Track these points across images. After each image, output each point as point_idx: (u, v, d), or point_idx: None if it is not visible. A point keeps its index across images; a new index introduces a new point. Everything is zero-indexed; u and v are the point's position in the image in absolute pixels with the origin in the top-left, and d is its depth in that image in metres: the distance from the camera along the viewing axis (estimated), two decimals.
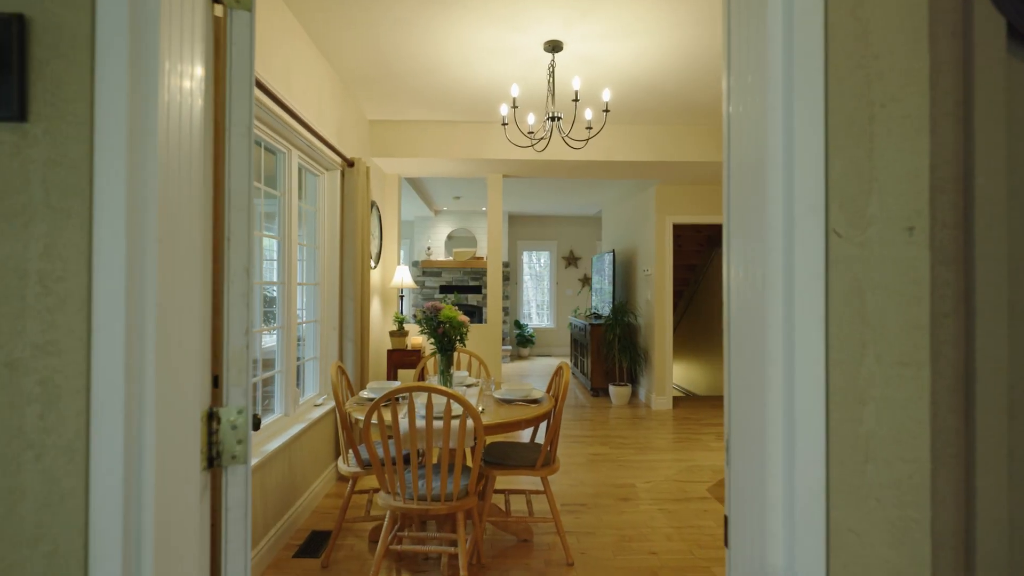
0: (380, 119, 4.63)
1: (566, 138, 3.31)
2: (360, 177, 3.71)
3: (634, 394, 6.51)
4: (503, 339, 9.87)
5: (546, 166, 4.99)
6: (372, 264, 4.54)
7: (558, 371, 2.94)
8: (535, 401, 2.72)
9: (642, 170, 5.13)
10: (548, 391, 3.02)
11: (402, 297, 4.89)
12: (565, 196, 8.33)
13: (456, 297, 9.92)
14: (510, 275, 10.29)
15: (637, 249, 6.60)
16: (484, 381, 2.97)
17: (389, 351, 4.64)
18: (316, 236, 3.59)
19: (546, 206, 9.40)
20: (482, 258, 9.92)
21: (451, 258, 9.92)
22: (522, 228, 10.62)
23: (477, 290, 9.93)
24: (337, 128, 3.63)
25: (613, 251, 6.79)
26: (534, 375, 8.19)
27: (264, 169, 2.85)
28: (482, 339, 5.31)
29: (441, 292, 9.89)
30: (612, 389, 6.09)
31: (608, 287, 6.99)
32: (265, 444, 2.63)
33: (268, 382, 2.99)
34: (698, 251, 7.73)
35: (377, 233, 4.77)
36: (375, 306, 4.82)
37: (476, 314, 9.97)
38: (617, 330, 6.13)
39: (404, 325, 4.87)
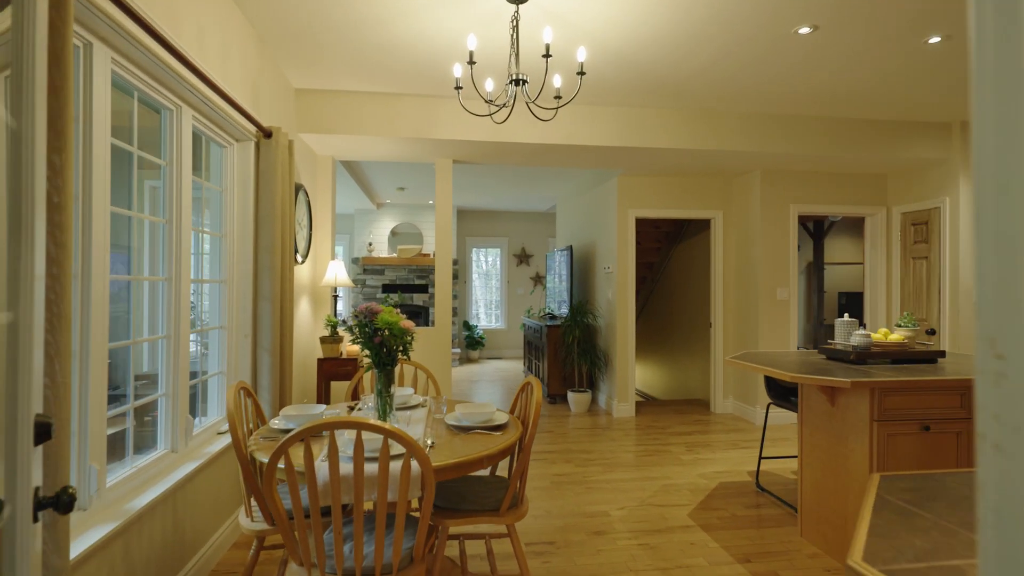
0: (308, 88, 3.95)
1: (532, 105, 2.79)
2: (280, 151, 3.05)
3: (594, 400, 6.09)
4: (452, 341, 9.27)
5: (502, 149, 4.46)
6: (298, 259, 3.86)
7: (525, 388, 2.41)
8: (498, 428, 2.18)
9: (606, 157, 4.69)
10: (512, 411, 2.49)
11: (337, 297, 4.23)
12: (518, 190, 7.85)
13: (400, 297, 9.24)
14: (459, 273, 9.71)
15: (596, 245, 6.19)
16: (433, 401, 2.40)
17: (320, 360, 3.97)
18: (223, 222, 2.90)
19: (497, 201, 8.88)
20: (428, 255, 9.28)
21: (395, 255, 9.22)
22: (472, 224, 10.05)
23: (423, 289, 9.28)
24: (252, 91, 2.96)
25: (570, 247, 6.35)
26: (485, 380, 7.65)
27: (143, 130, 2.16)
28: (430, 344, 4.72)
29: (384, 292, 9.17)
30: (571, 396, 5.64)
31: (564, 286, 6.55)
32: (135, 497, 1.95)
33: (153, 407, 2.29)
34: (656, 248, 7.42)
35: (306, 223, 4.09)
36: (303, 308, 4.13)
37: (422, 315, 9.32)
38: (576, 332, 5.69)
39: (338, 330, 4.21)
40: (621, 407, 5.46)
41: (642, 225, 6.85)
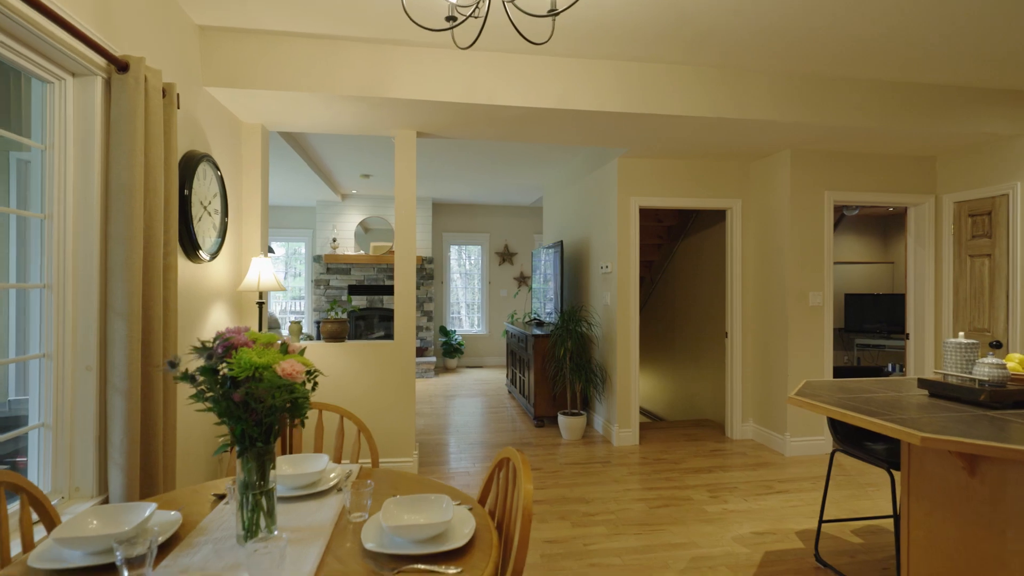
0: (217, 25, 2.97)
1: (512, 7, 1.88)
2: (148, 96, 2.07)
3: (589, 423, 5.19)
4: (426, 350, 8.31)
5: (476, 116, 3.52)
6: (202, 255, 2.87)
7: (503, 466, 1.49)
8: (456, 553, 1.23)
9: (604, 128, 3.78)
10: (483, 498, 1.56)
11: (262, 304, 3.23)
12: (499, 179, 6.92)
13: (367, 300, 8.24)
14: (434, 272, 8.74)
15: (591, 241, 5.28)
16: (349, 489, 1.43)
17: None
18: (47, 197, 1.92)
19: (476, 192, 7.94)
20: None
21: (362, 252, 8.21)
22: (449, 218, 9.09)
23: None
24: (99, 3, 1.98)
25: (560, 243, 5.43)
26: (463, 394, 6.70)
27: None
28: (385, 363, 3.77)
29: (350, 293, 8.17)
30: (563, 420, 4.72)
31: (553, 288, 5.63)
32: None
33: None
34: (656, 245, 6.55)
35: (218, 207, 3.11)
36: (215, 322, 3.15)
37: (394, 319, 8.32)
38: (568, 343, 4.78)
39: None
40: (623, 434, 4.56)
41: (641, 219, 5.97)
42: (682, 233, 6.06)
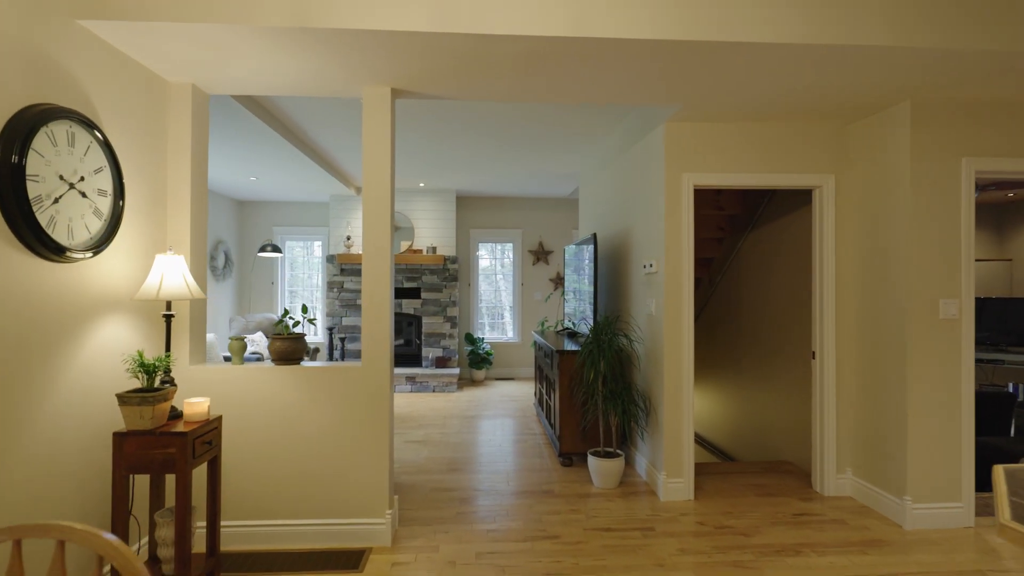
0: None
1: None
2: None
3: (629, 463, 4.12)
4: (449, 360, 7.43)
5: (460, 53, 2.55)
6: (73, 251, 2.05)
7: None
8: None
9: (643, 72, 2.73)
10: None
11: (169, 317, 2.38)
12: (530, 165, 5.92)
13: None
14: (459, 273, 7.85)
15: (631, 234, 4.21)
16: None
17: (119, 436, 2.15)
18: None
19: (505, 183, 6.98)
20: (420, 251, 7.45)
21: None
22: (476, 213, 8.17)
23: (415, 293, 7.45)
24: None
25: (593, 237, 4.38)
26: (486, 413, 5.75)
27: None
28: (351, 395, 2.86)
29: None
30: (594, 463, 3.68)
31: (588, 288, 4.60)
32: None
33: None
34: (716, 240, 5.37)
35: (108, 186, 2.29)
36: (102, 342, 2.33)
37: (413, 326, 7.50)
38: (601, 363, 3.73)
39: (163, 372, 2.39)
40: (672, 485, 3.47)
41: (696, 206, 4.82)
42: (750, 223, 4.87)
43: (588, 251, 4.56)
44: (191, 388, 2.81)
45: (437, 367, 7.33)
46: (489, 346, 8.00)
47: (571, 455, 4.18)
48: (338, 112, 4.27)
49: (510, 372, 8.16)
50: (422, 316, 7.44)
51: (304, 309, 2.97)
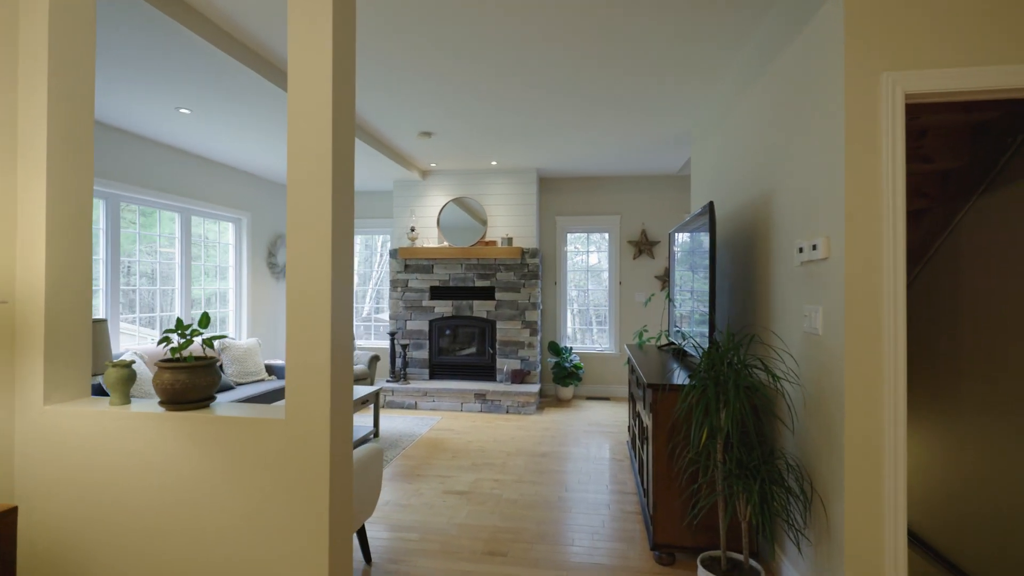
0: None
1: None
2: None
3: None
4: (527, 374, 6.14)
5: None
6: None
7: None
8: None
9: None
10: None
11: None
12: (629, 128, 4.43)
13: (451, 307, 6.33)
14: (541, 269, 6.53)
15: (772, 201, 2.62)
16: None
17: None
18: None
19: (599, 157, 5.53)
20: (494, 242, 6.26)
21: (446, 244, 6.36)
22: (563, 197, 6.80)
23: (487, 294, 6.28)
24: None
25: (709, 207, 2.83)
26: (562, 449, 4.38)
27: None
28: (271, 465, 1.68)
29: (434, 297, 6.37)
30: None
31: (702, 288, 3.06)
32: None
33: None
34: (913, 214, 3.49)
35: None
36: None
37: (486, 332, 6.33)
38: (721, 412, 2.20)
39: None
40: None
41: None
42: (982, 182, 2.97)
43: (700, 229, 3.01)
44: (40, 445, 1.81)
45: (513, 382, 6.09)
46: (578, 358, 6.58)
47: (672, 549, 2.67)
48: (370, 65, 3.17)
49: (604, 390, 6.67)
50: (496, 321, 6.24)
51: (204, 321, 1.84)
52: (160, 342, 1.79)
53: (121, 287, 4.63)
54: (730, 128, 3.44)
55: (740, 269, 3.15)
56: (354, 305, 7.28)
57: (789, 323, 2.41)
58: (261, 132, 4.62)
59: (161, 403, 1.80)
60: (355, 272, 7.38)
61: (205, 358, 1.84)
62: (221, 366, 4.86)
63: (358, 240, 7.40)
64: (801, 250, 2.24)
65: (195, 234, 5.51)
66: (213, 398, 1.86)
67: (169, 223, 5.22)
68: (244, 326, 6.11)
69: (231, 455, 1.72)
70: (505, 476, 3.90)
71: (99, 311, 4.44)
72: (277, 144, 4.96)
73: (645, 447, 3.03)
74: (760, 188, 2.83)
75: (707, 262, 2.84)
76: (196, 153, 5.30)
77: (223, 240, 5.97)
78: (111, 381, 1.84)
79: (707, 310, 2.79)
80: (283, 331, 6.63)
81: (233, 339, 4.99)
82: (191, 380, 1.78)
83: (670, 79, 3.56)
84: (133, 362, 1.87)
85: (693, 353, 3.03)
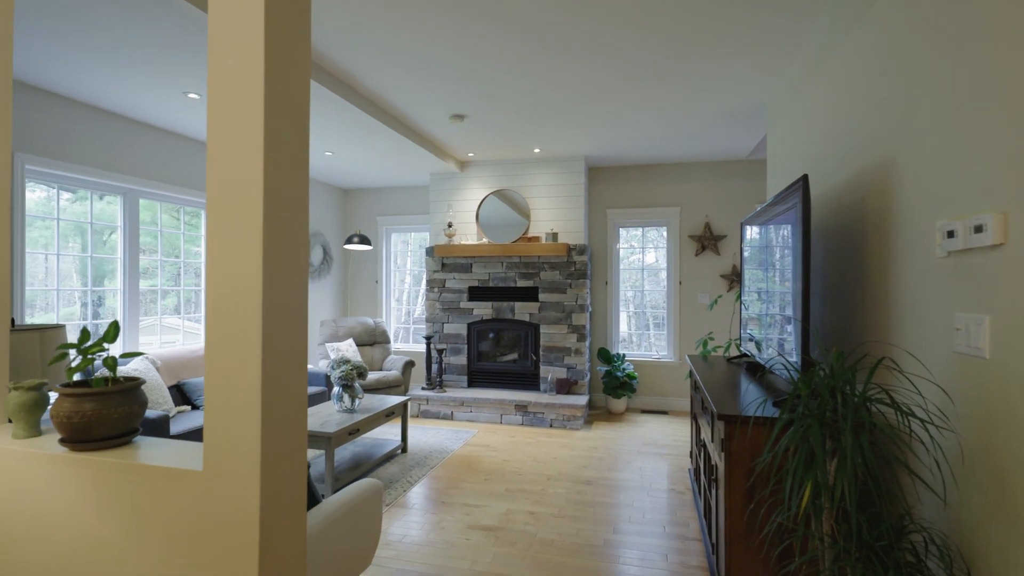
0: None
1: None
2: None
3: None
4: (575, 384, 5.55)
5: None
6: None
7: None
8: None
9: None
10: None
11: None
12: (689, 108, 3.76)
13: (491, 309, 5.80)
14: (591, 268, 5.90)
15: (895, 171, 1.93)
16: None
17: None
18: None
19: (656, 141, 4.86)
20: (538, 239, 5.71)
21: (485, 241, 5.86)
22: (615, 189, 6.15)
23: (530, 295, 5.73)
24: None
25: (803, 180, 2.16)
26: (612, 476, 3.77)
27: None
28: (182, 533, 1.20)
29: (472, 298, 5.90)
30: None
31: (786, 287, 2.39)
32: None
33: None
34: None
35: None
36: None
37: (528, 336, 5.79)
38: (828, 465, 1.56)
39: None
40: None
41: None
42: None
43: (791, 217, 2.34)
44: None
45: (558, 392, 5.51)
46: (632, 366, 5.92)
47: None
48: (380, 34, 2.70)
49: (662, 403, 5.97)
50: (539, 324, 5.68)
51: (112, 334, 1.40)
52: (52, 361, 1.36)
53: (180, 287, 4.75)
54: (818, 93, 2.73)
55: (839, 265, 2.44)
56: (401, 306, 6.95)
57: (925, 338, 1.72)
58: None
59: (62, 441, 1.36)
60: (406, 272, 7.03)
61: (121, 381, 1.39)
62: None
63: (398, 238, 7.04)
64: (951, 234, 1.56)
65: None
66: (134, 432, 1.41)
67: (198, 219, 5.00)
68: None
69: (140, 514, 1.27)
70: (542, 508, 3.33)
71: (116, 312, 4.23)
72: (314, 140, 4.62)
73: (714, 491, 2.39)
74: (871, 157, 2.13)
75: (794, 256, 2.17)
76: None
77: None
78: (13, 408, 1.43)
79: (792, 316, 2.12)
80: (315, 336, 6.35)
81: None
82: (99, 411, 1.33)
83: (740, 54, 2.88)
84: (44, 383, 1.46)
85: (780, 372, 2.36)
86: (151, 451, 1.36)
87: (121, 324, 3.74)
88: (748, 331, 3.28)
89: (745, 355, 3.45)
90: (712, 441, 2.43)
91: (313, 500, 1.92)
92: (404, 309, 7.02)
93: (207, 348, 1.20)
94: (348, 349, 5.62)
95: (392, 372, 5.52)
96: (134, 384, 1.41)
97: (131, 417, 1.39)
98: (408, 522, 3.12)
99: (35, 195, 3.69)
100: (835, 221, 2.51)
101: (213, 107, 1.19)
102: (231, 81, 1.18)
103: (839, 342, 2.37)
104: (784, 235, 2.46)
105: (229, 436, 1.18)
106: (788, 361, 2.16)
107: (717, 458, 2.27)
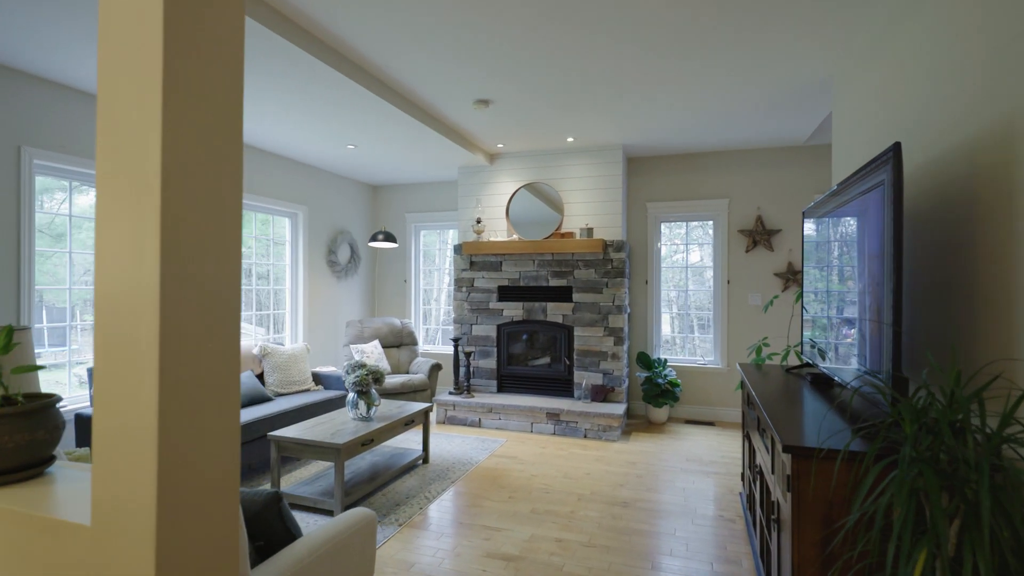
0: None
1: None
2: None
3: None
4: (611, 391, 5.15)
5: None
6: None
7: None
8: None
9: None
10: None
11: None
12: (739, 82, 3.31)
13: (522, 310, 5.42)
14: (629, 267, 5.47)
15: (1016, 128, 1.46)
16: None
17: None
18: None
19: (701, 126, 4.40)
20: (571, 234, 5.33)
21: (515, 237, 5.53)
22: (656, 179, 5.70)
23: (563, 295, 5.36)
24: None
25: (895, 148, 1.71)
26: (657, 498, 3.36)
27: None
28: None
29: (502, 298, 5.57)
30: None
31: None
32: None
33: None
34: None
35: None
36: None
37: (561, 339, 5.42)
38: (948, 528, 1.14)
39: None
40: None
41: None
42: None
43: (874, 199, 1.89)
44: None
45: (593, 400, 5.11)
46: (674, 372, 5.45)
47: None
48: (395, 23, 2.42)
49: (708, 412, 5.48)
50: (573, 327, 5.30)
51: (2, 341, 1.12)
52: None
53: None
54: (899, 54, 2.25)
55: (937, 261, 1.97)
56: (439, 307, 6.70)
57: None
58: (315, 118, 4.08)
59: None
60: (444, 271, 6.78)
61: (18, 401, 1.12)
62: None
63: (434, 236, 6.79)
64: None
65: (246, 231, 5.14)
66: (46, 462, 1.14)
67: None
68: (300, 330, 5.69)
69: (23, 572, 0.99)
70: (571, 534, 2.96)
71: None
72: (334, 131, 4.40)
73: (775, 535, 1.96)
74: (978, 123, 1.67)
75: (883, 245, 1.73)
76: (245, 142, 4.91)
77: (278, 235, 5.59)
78: None
79: (889, 320, 1.68)
80: (340, 338, 6.17)
81: (276, 344, 4.50)
82: (27, 448, 1.06)
83: (801, 13, 2.43)
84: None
85: (843, 378, 1.91)
86: (60, 489, 1.08)
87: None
88: (812, 337, 2.81)
89: (807, 364, 2.98)
90: (773, 473, 2.00)
91: (289, 537, 1.62)
92: (442, 309, 6.76)
93: (95, 369, 0.90)
94: (373, 351, 5.39)
95: (418, 375, 5.26)
96: (46, 403, 1.14)
97: (35, 445, 1.12)
98: (419, 547, 2.81)
99: (87, 199, 3.73)
100: (928, 207, 2.04)
101: (104, 45, 0.90)
102: (124, 7, 0.88)
103: (937, 357, 1.91)
104: (862, 223, 2.00)
105: (117, 485, 0.88)
106: (873, 377, 1.72)
107: (780, 496, 1.85)
